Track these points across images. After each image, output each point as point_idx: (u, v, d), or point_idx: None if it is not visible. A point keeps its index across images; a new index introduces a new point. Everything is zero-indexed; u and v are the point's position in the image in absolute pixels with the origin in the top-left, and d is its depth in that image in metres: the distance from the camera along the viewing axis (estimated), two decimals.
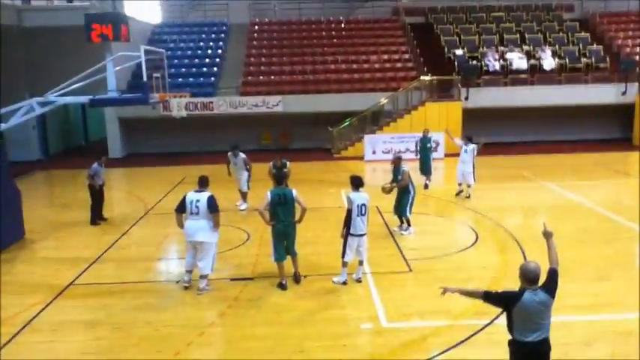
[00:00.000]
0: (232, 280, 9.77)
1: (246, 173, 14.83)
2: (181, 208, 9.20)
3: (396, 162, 12.41)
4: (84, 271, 10.45)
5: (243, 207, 14.73)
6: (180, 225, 9.31)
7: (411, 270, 10.06)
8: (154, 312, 8.57)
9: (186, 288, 9.38)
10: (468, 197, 15.35)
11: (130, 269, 10.67)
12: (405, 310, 8.39)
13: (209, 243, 9.14)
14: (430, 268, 10.10)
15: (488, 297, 5.34)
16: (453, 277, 9.65)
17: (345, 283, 9.36)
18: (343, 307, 8.67)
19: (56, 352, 7.44)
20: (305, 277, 9.65)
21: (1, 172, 12.06)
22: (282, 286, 9.26)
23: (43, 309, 8.74)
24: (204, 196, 9.11)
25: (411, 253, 10.90)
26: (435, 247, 11.26)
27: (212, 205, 9.05)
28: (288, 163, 14.23)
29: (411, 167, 12.99)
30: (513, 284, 5.40)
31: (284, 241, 9.30)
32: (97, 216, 13.80)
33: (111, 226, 13.70)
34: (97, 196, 13.79)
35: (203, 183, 9.38)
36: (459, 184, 15.72)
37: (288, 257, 9.43)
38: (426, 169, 16.87)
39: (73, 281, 9.93)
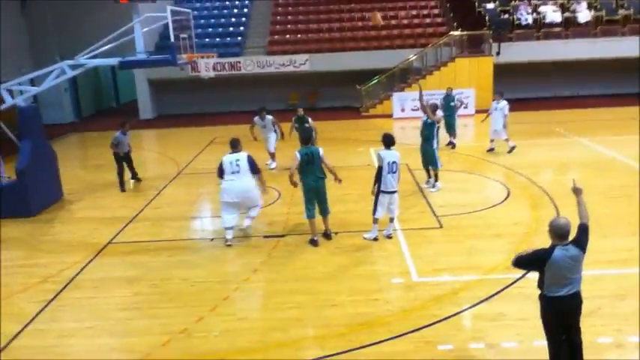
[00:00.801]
0: (265, 237, 9.96)
1: (274, 135, 14.85)
2: (222, 172, 9.44)
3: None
4: (121, 230, 10.76)
5: (273, 166, 14.84)
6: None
7: (441, 226, 10.10)
8: (190, 268, 8.82)
9: (229, 246, 9.59)
10: (510, 152, 15.22)
11: (165, 228, 10.93)
12: (436, 266, 8.45)
13: (255, 193, 9.61)
14: (460, 225, 10.11)
15: (519, 263, 5.34)
16: (484, 233, 9.67)
17: (375, 239, 9.45)
18: (374, 263, 8.79)
19: (98, 307, 7.75)
20: (336, 233, 9.77)
21: (36, 134, 12.35)
22: (313, 243, 9.41)
23: (85, 267, 9.07)
24: (243, 155, 9.43)
25: (441, 209, 10.92)
26: (466, 203, 11.23)
27: (253, 165, 9.41)
28: (310, 119, 14.30)
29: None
30: (544, 240, 5.39)
31: (314, 199, 9.43)
32: (123, 183, 13.64)
33: (145, 187, 13.99)
34: (124, 162, 13.70)
35: (236, 145, 9.57)
36: (491, 141, 15.56)
37: (318, 214, 9.57)
38: (450, 129, 16.38)
39: (111, 240, 10.24)
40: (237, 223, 9.80)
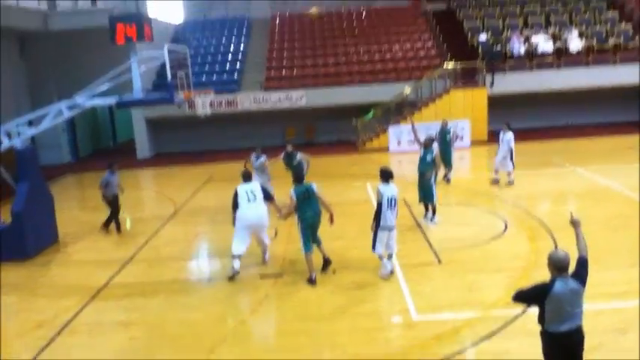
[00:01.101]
0: (262, 276, 9.86)
1: (267, 177, 13.72)
2: (237, 202, 9.73)
3: (428, 144, 12.37)
4: (117, 272, 10.66)
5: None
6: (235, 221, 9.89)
7: (440, 261, 10.02)
8: (187, 310, 8.71)
9: (233, 276, 9.66)
10: (509, 184, 15.20)
11: (162, 269, 10.84)
12: (436, 302, 8.36)
13: (267, 220, 10.05)
14: (459, 259, 10.03)
15: (520, 298, 5.26)
16: (483, 267, 9.60)
17: (392, 272, 9.29)
18: (373, 301, 8.69)
19: (93, 352, 7.62)
20: (334, 271, 9.68)
21: (33, 176, 12.36)
22: (311, 281, 9.30)
23: (80, 311, 8.94)
24: (256, 185, 10.06)
25: (439, 244, 10.84)
26: (464, 237, 11.18)
27: (266, 193, 10.06)
28: (299, 153, 14.05)
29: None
30: (544, 273, 5.34)
31: (311, 234, 9.44)
32: (119, 225, 13.24)
33: (142, 227, 13.92)
34: (114, 206, 13.13)
35: (248, 176, 10.12)
36: (495, 172, 15.48)
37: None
38: (446, 162, 15.81)
39: (107, 282, 10.13)
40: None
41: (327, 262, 9.69)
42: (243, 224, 9.71)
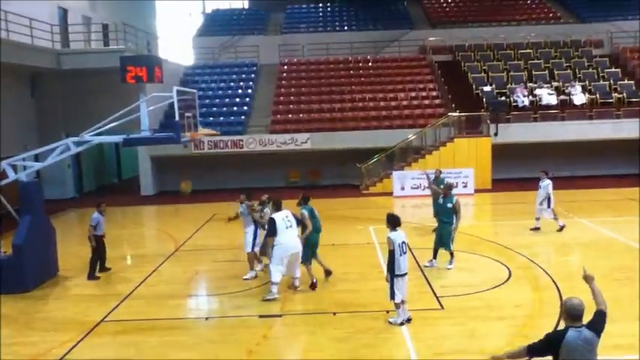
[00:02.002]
0: (261, 317, 9.72)
1: (251, 228, 11.99)
2: (275, 230, 10.18)
3: (447, 192, 12.63)
4: (114, 308, 10.53)
5: (248, 276, 11.91)
6: (269, 248, 10.44)
7: (442, 308, 9.87)
8: (183, 350, 8.55)
9: (276, 299, 10.34)
10: (559, 230, 15.26)
11: (160, 306, 10.70)
12: (438, 350, 8.19)
13: (301, 248, 10.64)
14: (462, 306, 9.88)
15: (533, 350, 5.10)
16: (486, 315, 9.45)
17: (404, 322, 9.01)
18: (374, 346, 8.51)
19: None
20: (334, 314, 9.54)
21: (37, 209, 12.36)
22: (313, 286, 10.71)
23: (74, 346, 8.78)
24: (288, 212, 10.60)
25: (442, 290, 10.71)
26: (467, 284, 11.05)
27: (298, 219, 10.68)
28: (268, 210, 11.54)
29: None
30: (548, 322, 5.25)
31: (313, 249, 10.94)
32: (95, 270, 12.62)
33: (141, 263, 13.83)
34: (99, 249, 12.75)
35: (280, 204, 10.66)
36: (536, 219, 15.57)
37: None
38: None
39: (104, 318, 9.99)
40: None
41: (328, 273, 11.01)
42: (283, 252, 10.24)
